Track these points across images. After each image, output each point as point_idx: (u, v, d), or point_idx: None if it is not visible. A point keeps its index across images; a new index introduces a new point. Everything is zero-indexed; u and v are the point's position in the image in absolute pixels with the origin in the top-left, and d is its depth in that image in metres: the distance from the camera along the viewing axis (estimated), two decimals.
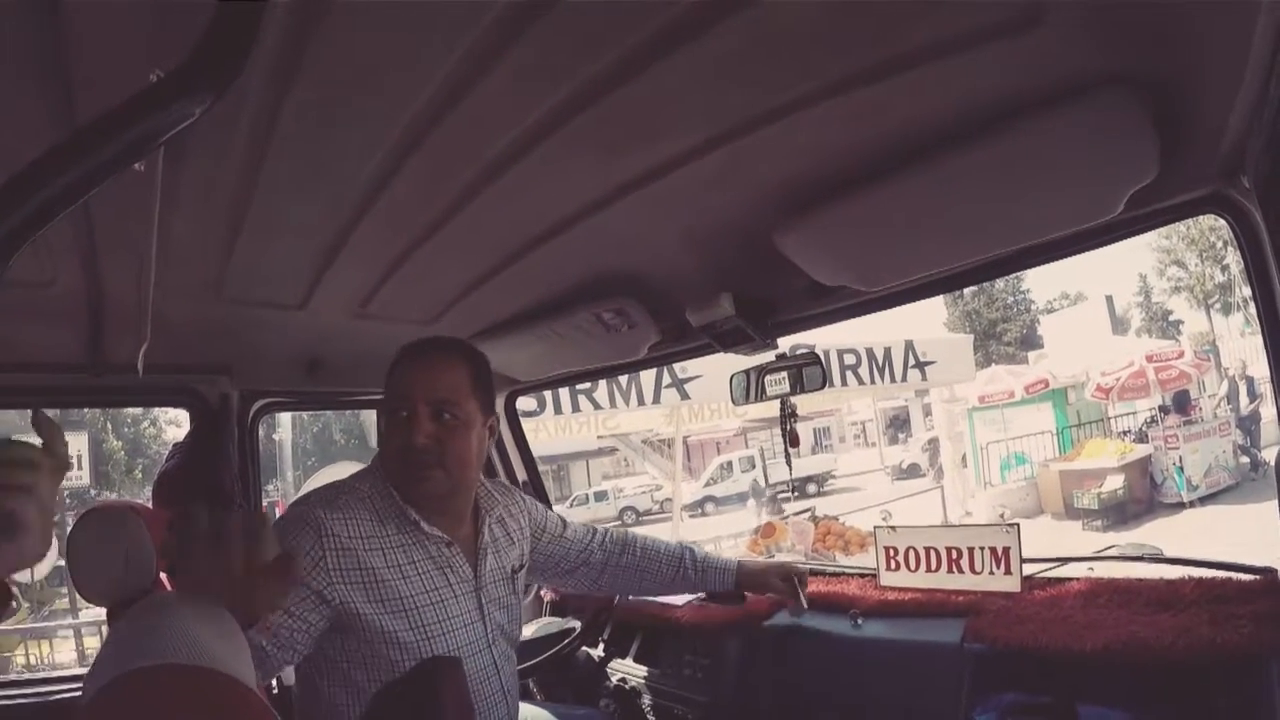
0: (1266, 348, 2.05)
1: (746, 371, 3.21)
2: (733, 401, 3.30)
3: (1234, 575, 2.43)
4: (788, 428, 3.19)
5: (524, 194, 2.15)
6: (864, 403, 42.57)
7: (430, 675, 1.33)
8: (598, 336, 3.09)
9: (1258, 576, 2.38)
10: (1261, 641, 2.01)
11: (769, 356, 3.10)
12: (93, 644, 13.23)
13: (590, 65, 1.62)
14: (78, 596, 17.88)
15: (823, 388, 3.07)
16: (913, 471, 32.54)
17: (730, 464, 34.35)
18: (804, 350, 3.14)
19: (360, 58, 1.52)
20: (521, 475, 4.30)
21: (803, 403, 3.36)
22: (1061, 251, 2.34)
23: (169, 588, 2.52)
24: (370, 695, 1.83)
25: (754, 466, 34.04)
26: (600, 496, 35.11)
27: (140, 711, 0.93)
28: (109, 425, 39.91)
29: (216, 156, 1.76)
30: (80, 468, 21.67)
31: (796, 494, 30.01)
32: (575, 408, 13.83)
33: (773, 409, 3.21)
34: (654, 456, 25.07)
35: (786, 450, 3.29)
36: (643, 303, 2.87)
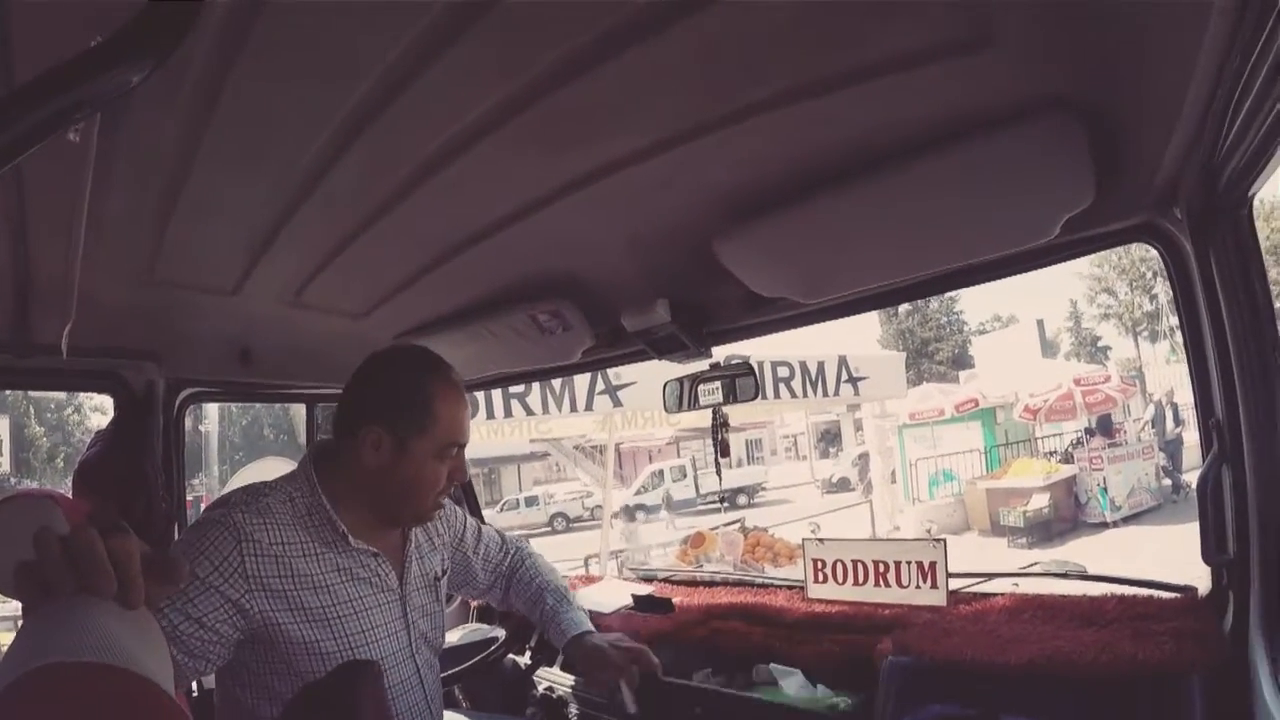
0: (1191, 374, 2.11)
1: (680, 380, 3.20)
2: (665, 409, 3.28)
3: (1155, 593, 2.48)
4: (719, 438, 3.20)
5: (464, 190, 2.13)
6: (796, 416, 43.01)
7: (348, 680, 1.30)
8: (532, 338, 3.05)
9: (1178, 595, 2.43)
10: (1182, 658, 2.04)
11: (703, 365, 3.09)
12: (6, 639, 12.92)
13: (537, 62, 1.60)
14: None
15: (755, 398, 3.06)
16: (843, 485, 32.93)
17: (662, 472, 34.46)
18: (738, 360, 3.14)
19: (306, 40, 1.49)
20: None
21: (735, 414, 3.36)
22: (997, 272, 2.37)
23: None
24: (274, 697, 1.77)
25: (685, 476, 34.20)
26: (531, 501, 35.11)
27: (48, 710, 0.88)
28: (31, 410, 39.16)
29: (153, 131, 1.70)
30: (0, 454, 21.19)
31: (726, 505, 30.23)
32: (508, 413, 13.76)
33: (706, 419, 3.21)
34: (586, 463, 25.00)
35: (717, 460, 3.28)
36: (579, 306, 2.85)
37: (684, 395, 3.19)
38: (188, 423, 3.70)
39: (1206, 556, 2.15)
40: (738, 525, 11.49)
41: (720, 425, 3.19)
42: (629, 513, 30.53)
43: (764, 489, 36.09)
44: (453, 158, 1.95)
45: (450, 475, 2.27)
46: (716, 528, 10.99)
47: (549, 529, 33.32)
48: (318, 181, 2.05)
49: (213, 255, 2.51)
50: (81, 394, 38.85)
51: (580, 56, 1.57)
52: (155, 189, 2.02)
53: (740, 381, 3.04)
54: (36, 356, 2.87)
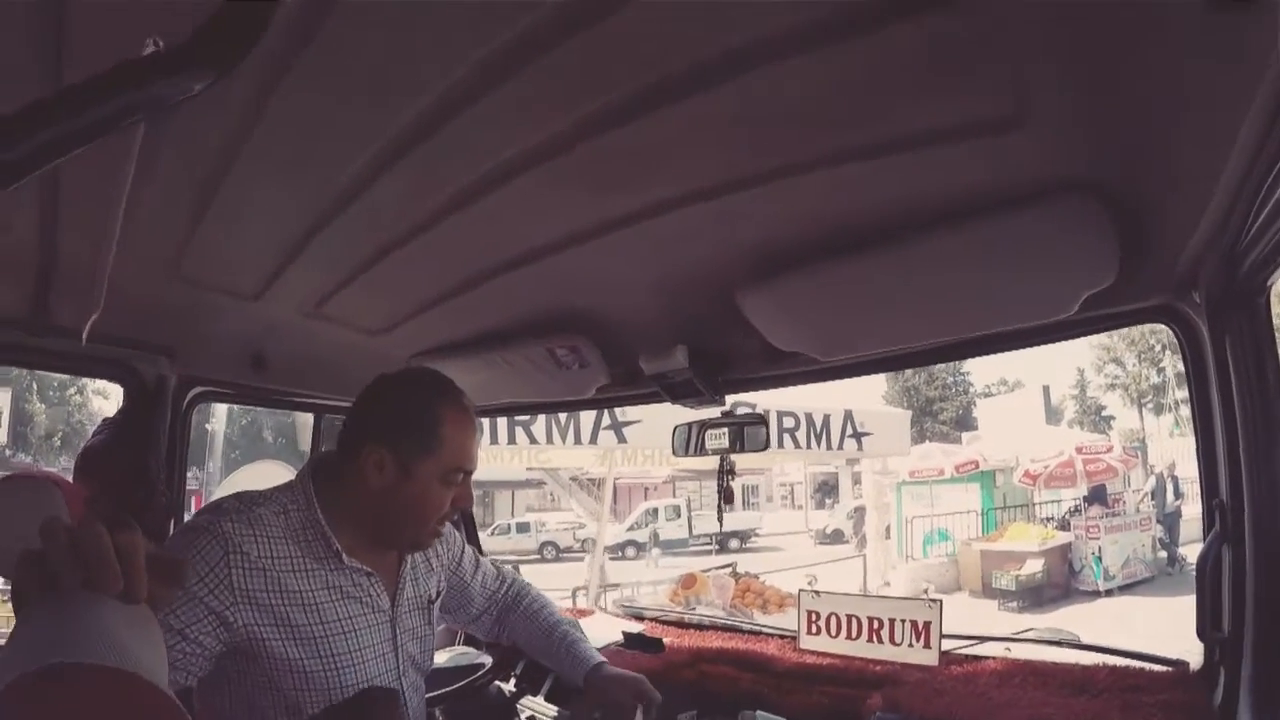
0: (1199, 452, 2.17)
1: (690, 424, 3.21)
2: (673, 453, 3.31)
3: (1147, 665, 2.52)
4: (724, 484, 3.22)
5: (498, 221, 2.15)
6: (795, 465, 42.83)
7: (367, 706, 1.31)
8: (548, 371, 3.08)
9: (1170, 668, 2.46)
10: None
11: (714, 411, 3.12)
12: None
13: (585, 106, 1.64)
14: None
15: (765, 449, 3.09)
16: (836, 537, 32.80)
17: (656, 510, 34.42)
18: (746, 409, 3.17)
19: (363, 60, 1.52)
20: None
21: (737, 460, 3.38)
22: (1014, 343, 2.42)
23: None
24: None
25: (679, 515, 34.13)
26: (523, 528, 35.00)
27: (52, 710, 0.88)
28: (34, 386, 39.04)
29: (199, 130, 1.69)
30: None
31: (718, 548, 30.11)
32: (511, 439, 13.73)
33: (707, 462, 3.24)
34: (580, 494, 24.91)
35: (720, 505, 3.29)
36: (597, 344, 2.88)
37: (692, 440, 3.21)
38: (194, 419, 3.71)
39: (1201, 632, 2.16)
40: (729, 569, 11.45)
41: (726, 471, 3.21)
42: (619, 548, 30.48)
43: (757, 535, 35.99)
44: (492, 188, 1.97)
45: (454, 501, 2.20)
46: (708, 570, 10.94)
47: (538, 556, 33.18)
48: (355, 197, 2.06)
49: (240, 259, 2.51)
50: (87, 377, 39.01)
51: (627, 105, 1.61)
52: (192, 187, 2.03)
53: (749, 430, 3.06)
54: (52, 337, 2.88)
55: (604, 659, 2.71)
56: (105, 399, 41.24)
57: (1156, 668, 2.50)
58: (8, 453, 30.85)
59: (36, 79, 1.52)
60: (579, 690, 2.71)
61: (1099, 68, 1.40)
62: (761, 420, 3.08)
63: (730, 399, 3.08)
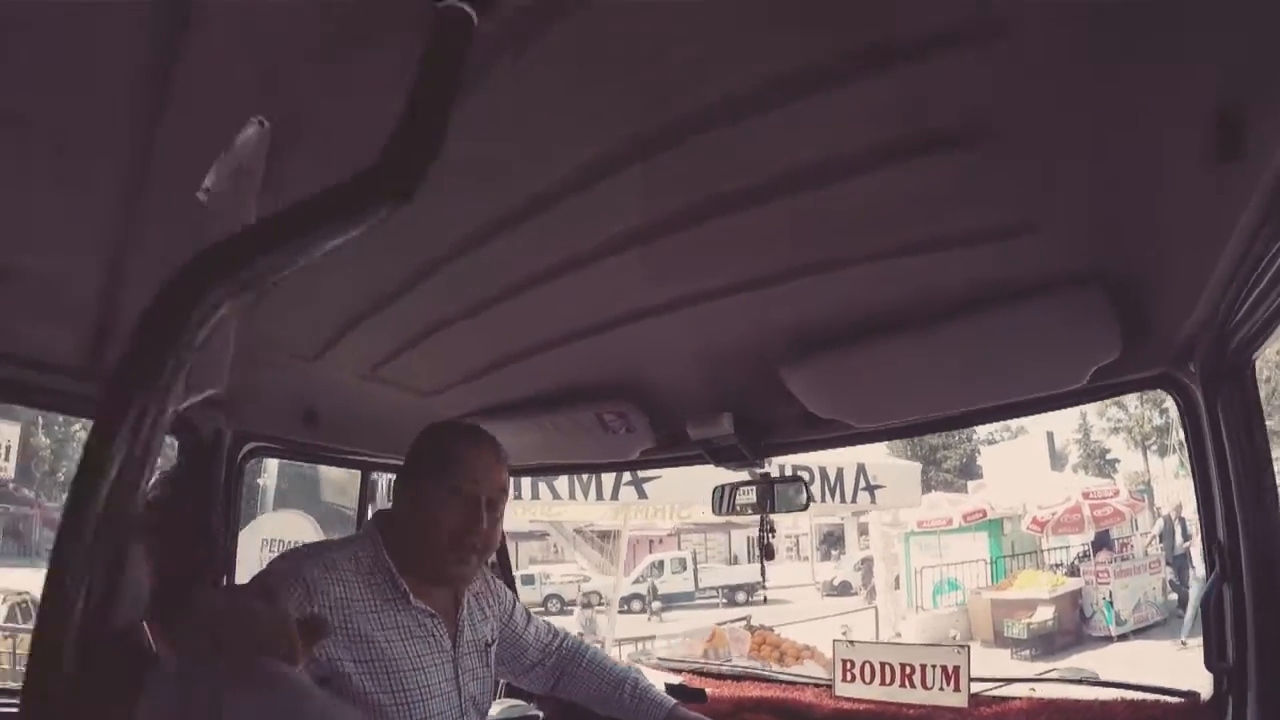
0: (1198, 501, 2.46)
1: (724, 486, 3.43)
2: (713, 511, 3.51)
3: (1162, 698, 2.74)
4: (765, 540, 3.42)
5: (563, 301, 2.34)
6: (800, 516, 42.44)
7: None
8: (595, 435, 3.22)
9: (1183, 699, 2.68)
10: None
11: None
12: None
13: (655, 212, 1.89)
14: None
15: (805, 509, 3.31)
16: (843, 589, 32.41)
17: (662, 563, 34.07)
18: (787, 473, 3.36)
19: (463, 159, 1.56)
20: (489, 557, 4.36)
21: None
22: (1030, 410, 2.73)
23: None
24: None
25: (685, 568, 33.84)
26: (527, 580, 34.49)
27: None
28: (39, 420, 38.46)
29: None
30: (7, 459, 20.90)
31: (726, 601, 29.97)
32: (535, 495, 13.74)
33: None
34: (585, 547, 24.72)
35: (762, 561, 3.49)
36: (644, 410, 3.04)
37: (724, 499, 3.43)
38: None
39: (1209, 664, 2.43)
40: (744, 622, 11.51)
41: (767, 530, 3.39)
42: (624, 601, 30.24)
43: (764, 587, 35.63)
44: (561, 274, 2.17)
45: (468, 521, 2.32)
46: (724, 623, 11.00)
47: (543, 609, 32.88)
48: (425, 278, 2.24)
49: (306, 321, 2.61)
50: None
51: (692, 211, 1.86)
52: None
53: (779, 489, 3.29)
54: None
55: (677, 702, 2.83)
56: None
57: (1170, 699, 2.71)
58: (12, 486, 30.60)
59: (130, 147, 1.67)
60: None
61: (1104, 183, 1.69)
62: (797, 481, 3.31)
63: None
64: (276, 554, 2.38)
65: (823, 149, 1.64)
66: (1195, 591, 13.28)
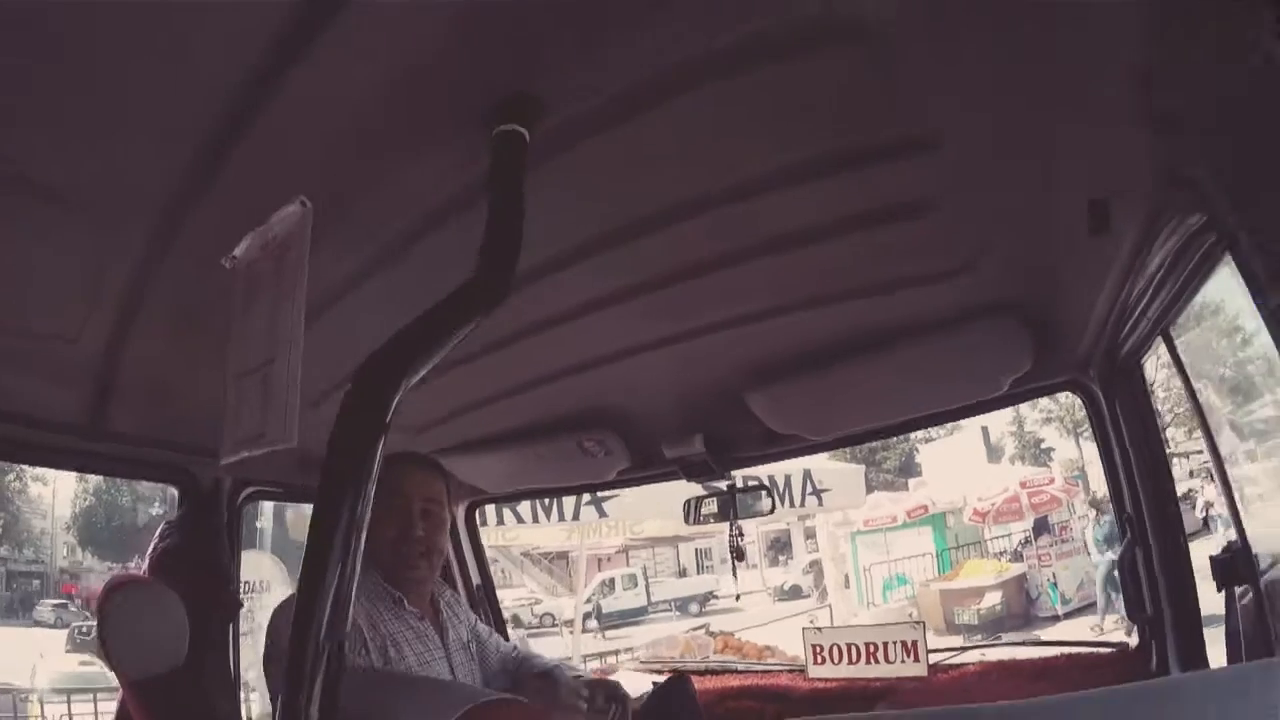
0: (1108, 481, 2.96)
1: (694, 499, 3.74)
2: (685, 522, 3.84)
3: (1096, 650, 3.20)
4: (734, 544, 3.72)
5: (555, 347, 2.60)
6: (747, 524, 42.02)
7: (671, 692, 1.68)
8: (574, 460, 3.48)
9: (1114, 650, 3.12)
10: None
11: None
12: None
13: (643, 274, 2.21)
14: None
15: (770, 513, 3.70)
16: (794, 593, 31.90)
17: (612, 581, 33.57)
18: (755, 481, 3.69)
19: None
20: (476, 579, 4.45)
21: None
22: (959, 415, 3.31)
23: None
24: None
25: (636, 584, 33.52)
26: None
27: None
28: None
29: (318, 268, 1.61)
30: None
31: (679, 613, 29.90)
32: (499, 519, 13.76)
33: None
34: (533, 570, 24.64)
35: (733, 562, 3.75)
36: (622, 435, 3.32)
37: (692, 511, 3.75)
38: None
39: (1130, 615, 2.88)
40: (704, 629, 11.71)
41: (735, 534, 3.70)
42: (585, 619, 30.08)
43: (716, 597, 35.40)
44: (548, 328, 2.46)
45: (404, 530, 2.59)
46: (685, 633, 11.17)
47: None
48: None
49: (305, 373, 2.68)
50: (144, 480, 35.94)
51: (678, 273, 2.20)
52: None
53: (741, 498, 3.63)
54: (109, 443, 2.96)
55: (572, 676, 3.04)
56: (44, 484, 38.50)
57: (1104, 651, 3.14)
58: None
59: (159, 218, 1.79)
60: None
61: (1019, 240, 2.17)
62: (762, 488, 3.66)
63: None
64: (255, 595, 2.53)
65: (796, 223, 2.02)
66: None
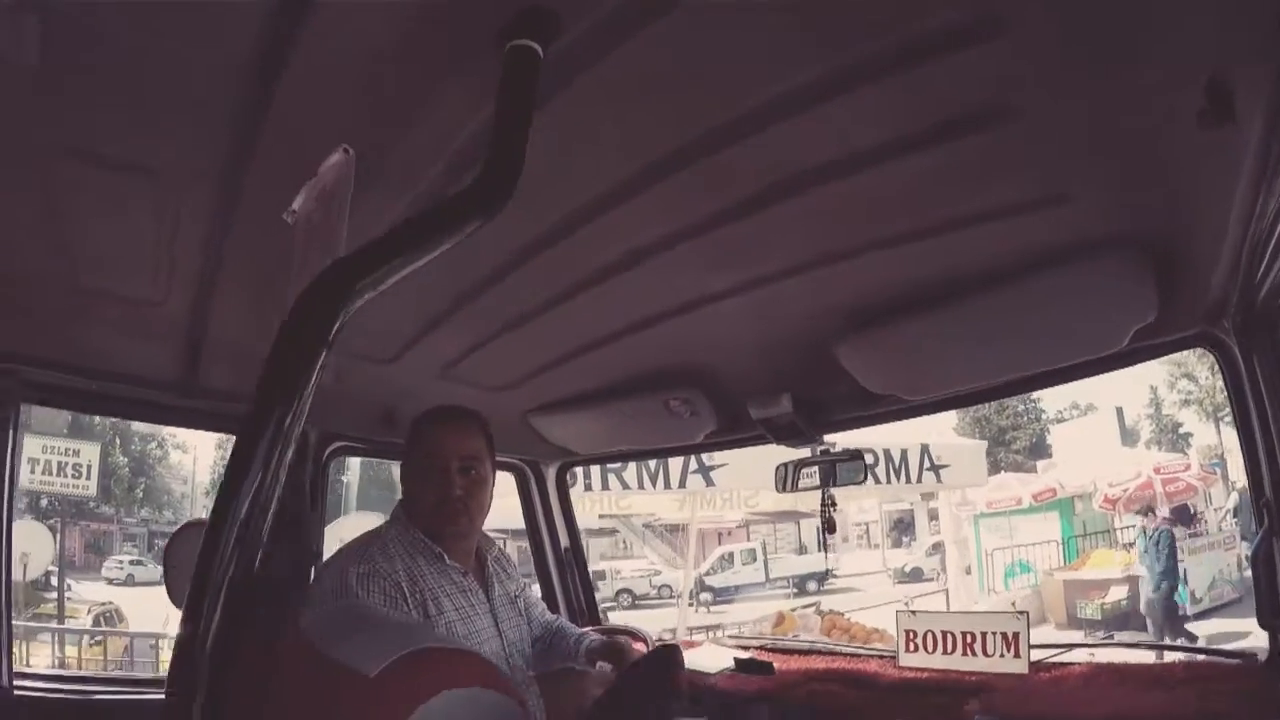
0: (1244, 457, 2.52)
1: (787, 464, 3.54)
2: (775, 489, 3.62)
3: (1219, 660, 2.80)
4: (826, 515, 3.51)
5: (625, 294, 2.49)
6: (870, 503, 41.74)
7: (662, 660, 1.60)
8: (660, 420, 3.38)
9: (1240, 660, 2.72)
10: (1239, 714, 2.35)
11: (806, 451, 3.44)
12: (71, 652, 13.47)
13: (709, 207, 2.03)
14: (65, 604, 17.70)
15: (862, 481, 3.43)
16: (915, 575, 31.63)
17: (731, 555, 33.72)
18: (840, 448, 3.44)
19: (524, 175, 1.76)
20: (564, 542, 4.50)
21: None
22: (1075, 375, 2.82)
23: None
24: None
25: (755, 559, 33.58)
26: (597, 576, 34.46)
27: (434, 677, 1.18)
28: (117, 440, 39.73)
29: (362, 210, 1.66)
30: (88, 478, 21.69)
31: (797, 591, 29.77)
32: (604, 485, 13.80)
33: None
34: (654, 541, 24.84)
35: (823, 537, 3.58)
36: (708, 395, 3.18)
37: (788, 477, 3.54)
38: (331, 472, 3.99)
39: (1262, 621, 2.48)
40: (814, 607, 11.51)
41: (828, 504, 3.49)
42: (694, 593, 30.11)
43: (834, 576, 35.17)
44: (622, 270, 2.34)
45: (441, 488, 2.60)
46: (794, 609, 11.00)
47: (614, 603, 32.77)
48: (498, 280, 2.41)
49: (383, 327, 2.79)
50: (165, 430, 38.81)
51: (745, 204, 2.00)
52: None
53: (842, 466, 3.39)
54: (200, 399, 3.29)
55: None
56: (184, 453, 42.14)
57: (1229, 661, 2.75)
58: (92, 504, 31.53)
59: (223, 179, 1.93)
60: None
61: (1120, 151, 1.82)
62: (857, 456, 3.40)
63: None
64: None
65: (863, 139, 1.79)
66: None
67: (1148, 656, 2.97)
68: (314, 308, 1.34)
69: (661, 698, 2.60)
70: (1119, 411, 37.36)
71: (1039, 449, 46.46)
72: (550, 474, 4.45)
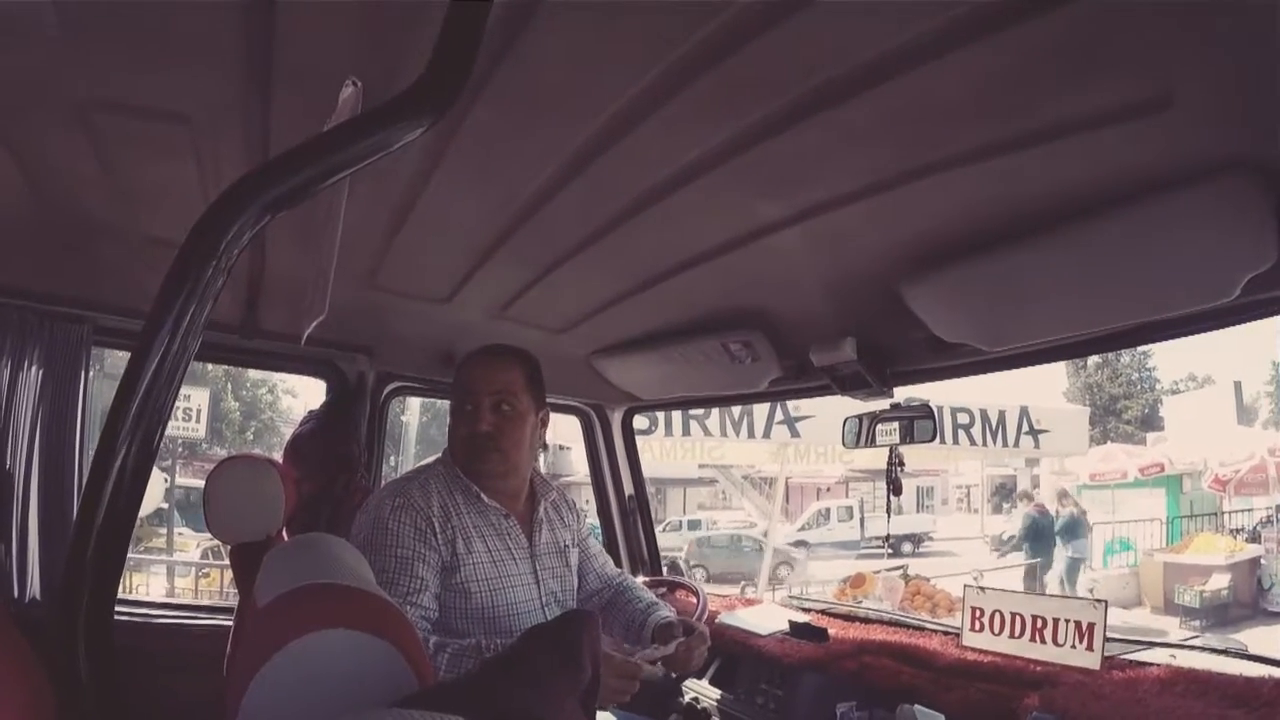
0: None
1: (860, 416, 3.33)
2: (843, 444, 3.41)
3: None
4: (893, 475, 3.32)
5: (673, 223, 2.33)
6: (972, 465, 41.10)
7: (572, 624, 1.53)
8: (722, 365, 3.25)
9: None
10: None
11: (884, 404, 3.21)
12: (182, 583, 14.68)
13: (753, 113, 1.78)
14: (174, 537, 19.35)
15: (932, 440, 3.17)
16: (1013, 544, 31.40)
17: (828, 511, 33.51)
18: (918, 403, 3.22)
19: (545, 83, 1.72)
20: (629, 490, 4.49)
21: (911, 459, 3.41)
22: (1177, 330, 2.39)
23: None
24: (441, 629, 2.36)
25: (851, 517, 33.38)
26: (694, 525, 34.39)
27: (315, 615, 1.16)
28: (229, 386, 41.41)
29: (395, 154, 1.73)
30: (198, 421, 23.14)
31: (891, 551, 29.48)
32: (685, 431, 13.89)
33: (879, 460, 3.30)
34: (752, 493, 24.84)
35: (889, 498, 3.37)
36: (769, 338, 3.02)
37: (862, 432, 3.33)
38: (390, 411, 4.15)
39: None
40: (900, 571, 11.28)
41: (895, 464, 3.31)
42: (793, 548, 30.08)
43: (931, 538, 34.79)
44: (665, 194, 2.15)
45: (471, 423, 2.64)
46: (878, 571, 10.78)
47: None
48: (540, 207, 2.29)
49: (432, 266, 2.85)
50: (276, 376, 41.02)
51: (793, 110, 1.74)
52: (390, 203, 2.35)
53: (918, 423, 3.16)
54: (262, 340, 3.42)
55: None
56: (294, 397, 44.05)
57: None
58: (204, 446, 33.21)
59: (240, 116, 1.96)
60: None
61: (1244, 41, 1.42)
62: (930, 414, 3.17)
63: (900, 392, 3.15)
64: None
65: (918, 24, 1.48)
66: None
67: (1235, 666, 2.59)
68: (211, 220, 1.30)
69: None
70: (1237, 386, 35.87)
71: (1151, 420, 44.96)
72: (616, 419, 4.46)
